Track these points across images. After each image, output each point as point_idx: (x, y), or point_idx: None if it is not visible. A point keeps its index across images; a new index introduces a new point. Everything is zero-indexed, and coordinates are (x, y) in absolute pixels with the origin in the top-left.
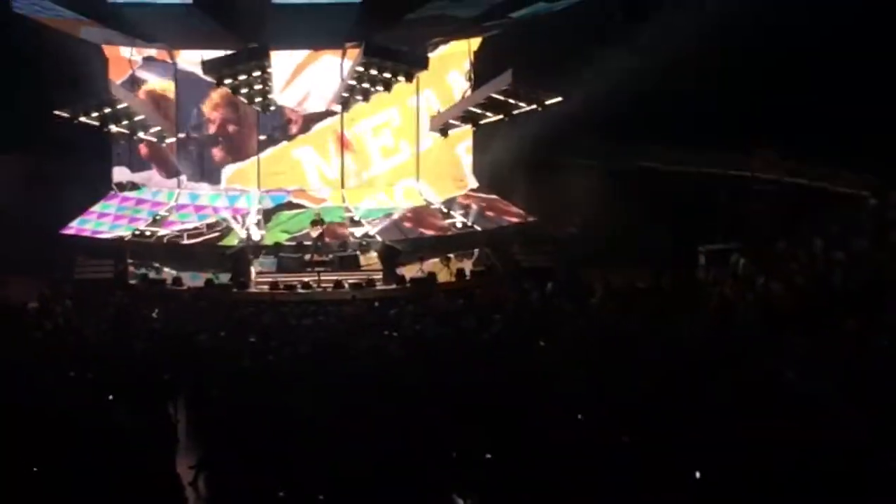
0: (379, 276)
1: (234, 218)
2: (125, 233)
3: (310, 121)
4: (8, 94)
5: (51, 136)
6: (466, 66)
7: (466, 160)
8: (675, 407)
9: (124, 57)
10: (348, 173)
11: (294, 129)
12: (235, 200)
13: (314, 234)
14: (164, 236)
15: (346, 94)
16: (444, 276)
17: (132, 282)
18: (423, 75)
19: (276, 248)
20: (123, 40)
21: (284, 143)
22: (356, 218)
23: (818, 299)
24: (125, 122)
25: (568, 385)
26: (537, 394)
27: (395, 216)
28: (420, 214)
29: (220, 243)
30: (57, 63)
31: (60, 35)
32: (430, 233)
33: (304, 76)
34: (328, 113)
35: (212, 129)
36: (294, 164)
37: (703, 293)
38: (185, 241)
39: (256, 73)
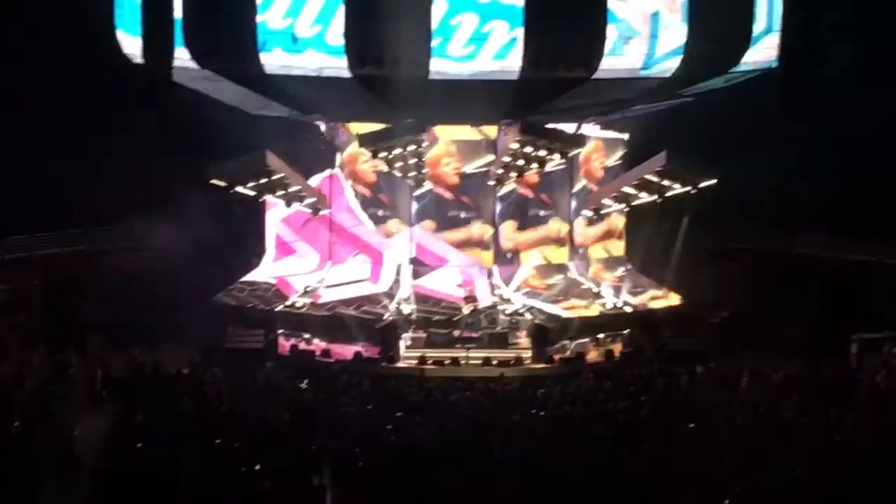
0: (528, 353)
1: (386, 294)
2: (277, 303)
3: None
4: (169, 161)
5: (207, 204)
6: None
7: (619, 240)
8: (828, 497)
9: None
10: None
11: None
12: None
13: (466, 310)
14: (314, 308)
15: (500, 171)
16: (592, 357)
17: (282, 352)
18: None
19: (426, 323)
20: (279, 110)
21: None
22: (506, 295)
23: None
24: (280, 193)
25: (716, 470)
26: (685, 477)
27: (545, 294)
28: (570, 294)
29: (371, 317)
30: (215, 132)
31: (219, 104)
32: (579, 313)
33: None
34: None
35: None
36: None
37: (856, 382)
38: (335, 314)
39: (412, 148)
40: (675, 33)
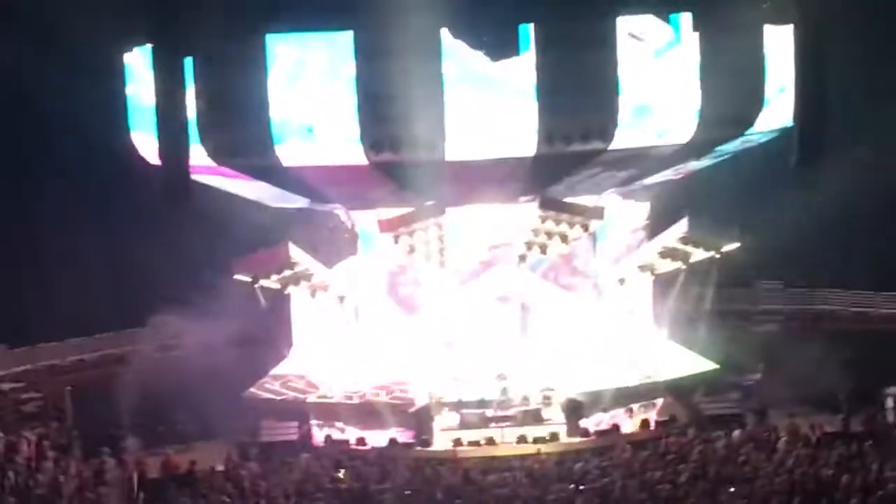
0: (563, 428)
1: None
2: (308, 394)
3: None
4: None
5: (234, 300)
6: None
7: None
8: None
9: None
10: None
11: None
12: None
13: (499, 387)
14: (346, 397)
15: (525, 250)
16: (628, 427)
17: (316, 443)
18: None
19: (459, 405)
20: (298, 201)
21: None
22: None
23: None
24: (305, 284)
25: None
26: None
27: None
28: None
29: (402, 402)
30: (238, 226)
31: (239, 199)
32: (613, 385)
33: None
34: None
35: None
36: None
37: (893, 436)
38: (367, 401)
39: (433, 231)
40: (689, 100)
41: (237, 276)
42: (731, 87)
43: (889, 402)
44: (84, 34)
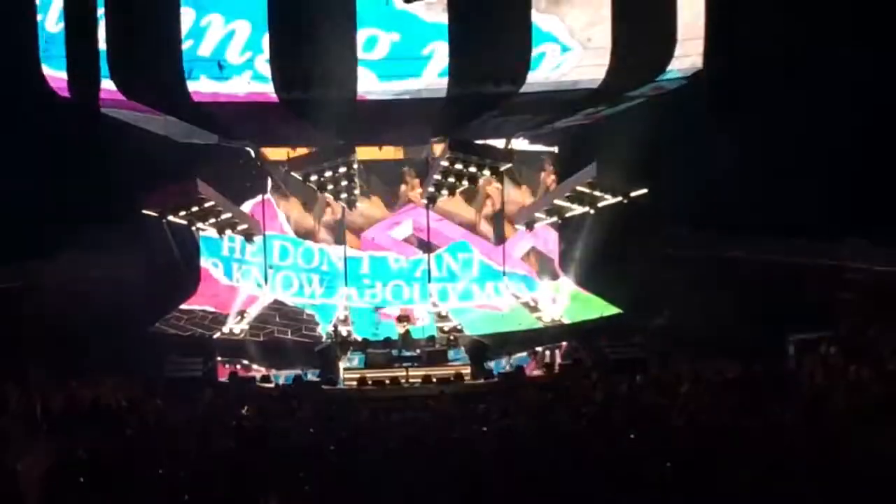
0: (467, 370)
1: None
2: (214, 330)
3: None
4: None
5: (142, 236)
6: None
7: (553, 252)
8: (768, 499)
9: None
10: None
11: None
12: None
13: (401, 329)
14: (252, 333)
15: (432, 190)
16: (532, 370)
17: (221, 380)
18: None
19: (364, 344)
20: (208, 137)
21: None
22: (443, 313)
23: None
24: (212, 221)
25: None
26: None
27: (482, 311)
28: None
29: (309, 340)
30: (146, 162)
31: (148, 133)
32: (518, 327)
33: None
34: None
35: None
36: None
37: (793, 382)
38: (273, 338)
39: (342, 170)
40: (600, 44)
41: (145, 211)
42: (642, 30)
43: (791, 349)
44: None
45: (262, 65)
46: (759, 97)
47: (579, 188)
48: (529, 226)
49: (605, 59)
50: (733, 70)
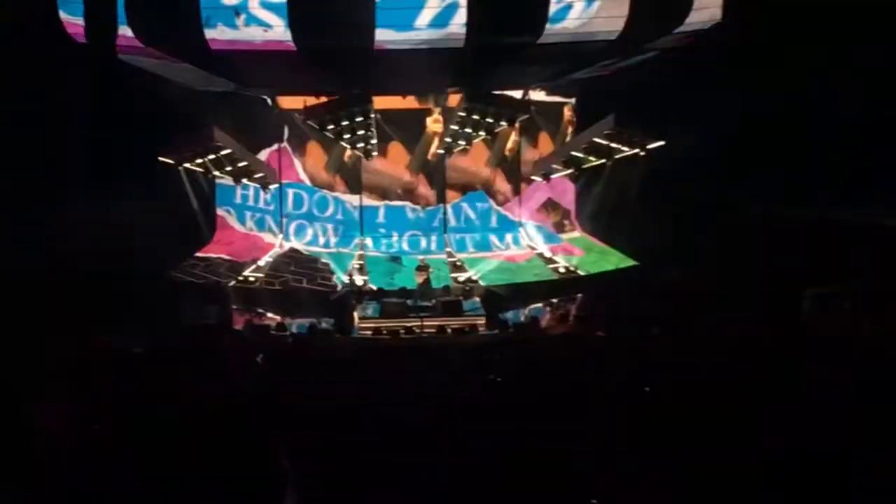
0: (482, 321)
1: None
2: (229, 278)
3: None
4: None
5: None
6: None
7: (570, 204)
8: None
9: None
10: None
11: None
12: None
13: (419, 279)
14: (267, 282)
15: (449, 140)
16: (547, 321)
17: (236, 327)
18: None
19: (379, 294)
20: (225, 85)
21: None
22: (459, 263)
23: None
24: (228, 168)
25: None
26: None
27: (498, 261)
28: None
29: (324, 289)
30: (163, 109)
31: (165, 81)
32: (533, 278)
33: None
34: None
35: None
36: None
37: (808, 337)
38: (288, 287)
39: (359, 119)
40: None
41: (161, 158)
42: None
43: (806, 304)
44: None
45: (279, 12)
46: (779, 50)
47: (596, 139)
48: (546, 177)
49: (623, 11)
50: (752, 22)
